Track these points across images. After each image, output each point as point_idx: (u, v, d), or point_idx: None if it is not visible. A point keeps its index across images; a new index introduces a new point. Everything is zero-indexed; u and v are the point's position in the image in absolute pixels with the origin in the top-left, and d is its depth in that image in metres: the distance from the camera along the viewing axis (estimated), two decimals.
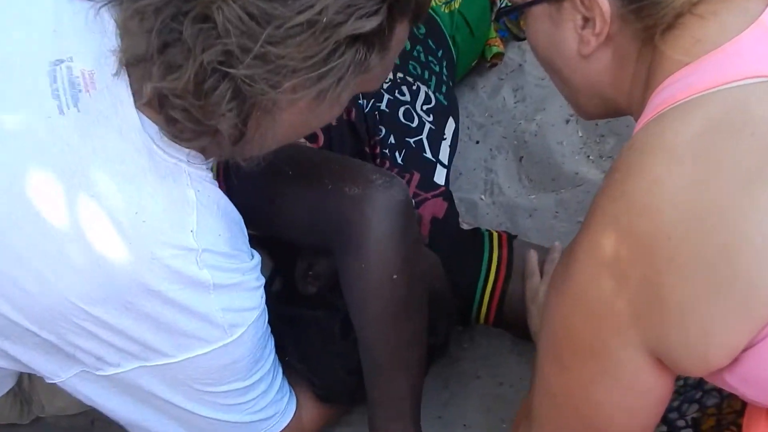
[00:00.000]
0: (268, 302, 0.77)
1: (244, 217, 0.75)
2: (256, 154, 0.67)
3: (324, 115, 0.68)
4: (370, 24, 0.59)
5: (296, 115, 0.65)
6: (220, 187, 0.73)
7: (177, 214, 0.66)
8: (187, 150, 0.65)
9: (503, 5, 1.17)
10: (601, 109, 0.68)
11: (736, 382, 0.54)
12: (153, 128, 0.63)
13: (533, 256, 0.98)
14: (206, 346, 0.71)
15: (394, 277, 0.79)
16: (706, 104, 0.52)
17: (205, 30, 0.57)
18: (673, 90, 0.55)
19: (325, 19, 0.57)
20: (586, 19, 0.59)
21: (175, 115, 0.61)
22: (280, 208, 0.84)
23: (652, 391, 0.57)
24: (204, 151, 0.67)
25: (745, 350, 0.52)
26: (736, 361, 0.53)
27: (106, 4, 0.63)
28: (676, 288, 0.51)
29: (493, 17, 1.22)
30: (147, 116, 0.63)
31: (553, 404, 0.64)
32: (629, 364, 0.56)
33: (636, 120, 0.60)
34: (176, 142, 0.64)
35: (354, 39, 0.60)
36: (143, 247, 0.64)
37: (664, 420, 0.80)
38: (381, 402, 0.87)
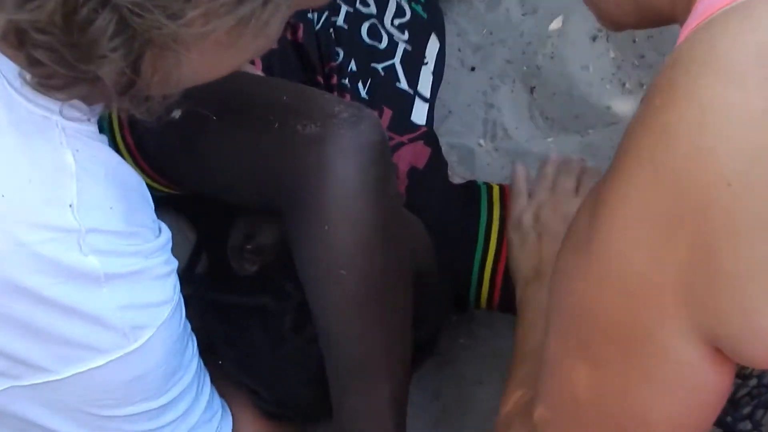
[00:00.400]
0: (190, 289, 0.78)
1: (161, 175, 0.78)
2: (155, 109, 0.66)
3: (246, 51, 0.67)
4: None
5: (208, 55, 0.64)
6: (126, 140, 0.76)
7: (49, 185, 0.66)
8: (60, 91, 0.64)
9: None
10: (634, 15, 0.67)
11: None
12: (12, 70, 0.63)
13: (521, 172, 1.02)
14: (100, 357, 0.70)
15: (367, 246, 0.79)
16: None
17: None
18: None
19: None
20: None
21: (38, 57, 0.59)
22: (208, 158, 0.85)
23: (708, 391, 0.57)
24: (85, 99, 0.67)
25: None
26: None
27: None
28: (737, 251, 0.51)
29: None
30: (4, 53, 0.63)
31: (576, 413, 0.64)
32: (681, 357, 0.56)
33: (681, 28, 0.59)
34: (43, 91, 0.63)
35: None
36: (4, 232, 0.64)
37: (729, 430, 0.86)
38: (352, 419, 0.87)
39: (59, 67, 0.59)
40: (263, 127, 0.80)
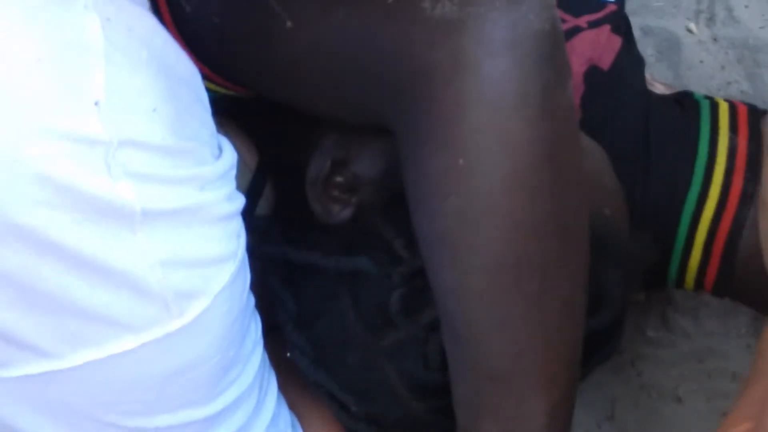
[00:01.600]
0: (250, 245, 0.79)
1: (211, 63, 0.81)
2: None
3: None
4: None
5: None
6: (163, 20, 0.78)
7: (65, 70, 0.65)
8: None
9: None
10: None
11: None
12: None
13: None
14: (129, 337, 0.70)
15: (525, 189, 0.75)
16: None
17: None
18: None
19: None
20: None
21: None
22: (288, 44, 0.81)
23: None
24: None
25: None
26: None
27: None
28: None
29: None
30: None
31: None
32: None
33: None
34: None
35: None
36: None
37: None
38: None
39: None
40: (372, 3, 0.77)
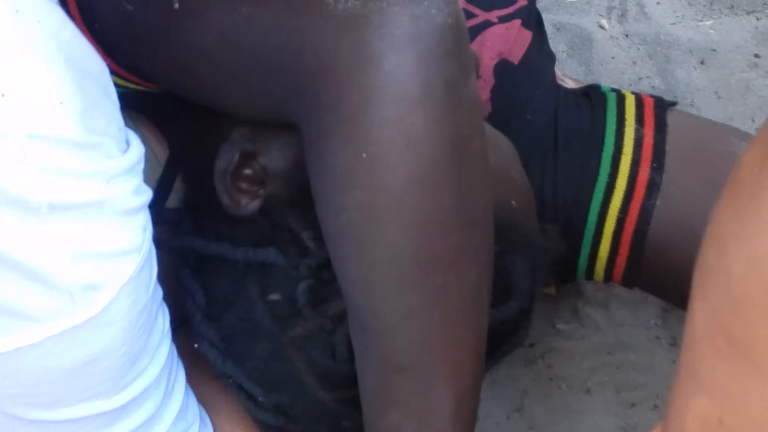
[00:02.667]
0: (156, 233, 0.79)
1: (119, 60, 0.81)
2: None
3: None
4: None
5: None
6: (71, 15, 0.78)
7: None
8: None
9: None
10: None
11: None
12: None
13: None
14: (33, 330, 0.71)
15: (429, 183, 0.77)
16: None
17: None
18: None
19: None
20: None
21: None
22: (194, 39, 0.82)
23: None
24: None
25: None
26: None
27: None
28: None
29: None
30: None
31: None
32: None
33: None
34: None
35: None
36: None
37: None
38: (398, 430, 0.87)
39: None
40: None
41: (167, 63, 0.87)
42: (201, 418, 0.88)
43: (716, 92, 1.17)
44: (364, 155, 0.76)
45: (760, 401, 0.59)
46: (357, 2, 0.75)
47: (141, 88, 0.93)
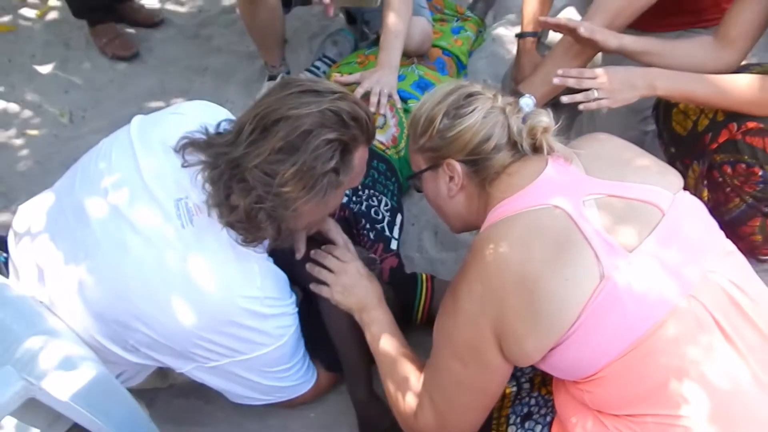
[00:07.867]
0: (299, 315, 1.70)
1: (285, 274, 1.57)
2: (287, 244, 1.67)
3: (321, 213, 1.65)
4: (331, 163, 1.54)
5: (304, 217, 1.60)
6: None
7: (248, 278, 1.58)
8: (253, 243, 1.60)
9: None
10: (463, 226, 1.74)
11: (546, 368, 1.52)
12: (234, 235, 1.61)
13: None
14: (267, 347, 1.66)
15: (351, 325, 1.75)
16: (519, 218, 1.44)
17: (244, 185, 1.50)
18: (498, 212, 1.48)
19: (305, 168, 1.49)
20: (451, 177, 1.66)
21: (240, 231, 1.60)
22: (301, 269, 1.83)
23: (503, 373, 1.56)
24: (260, 243, 1.64)
25: (551, 350, 1.42)
26: (543, 358, 1.46)
27: (198, 169, 1.60)
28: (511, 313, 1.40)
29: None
30: (230, 228, 1.60)
31: (459, 389, 1.53)
32: (494, 360, 1.47)
33: (479, 230, 1.58)
34: (245, 243, 1.60)
35: (325, 172, 1.52)
36: (230, 298, 1.54)
37: (514, 377, 1.83)
38: (352, 374, 1.93)
39: (249, 235, 1.59)
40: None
41: (292, 275, 1.66)
42: (311, 364, 1.83)
43: None
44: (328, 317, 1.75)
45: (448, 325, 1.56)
46: None
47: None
